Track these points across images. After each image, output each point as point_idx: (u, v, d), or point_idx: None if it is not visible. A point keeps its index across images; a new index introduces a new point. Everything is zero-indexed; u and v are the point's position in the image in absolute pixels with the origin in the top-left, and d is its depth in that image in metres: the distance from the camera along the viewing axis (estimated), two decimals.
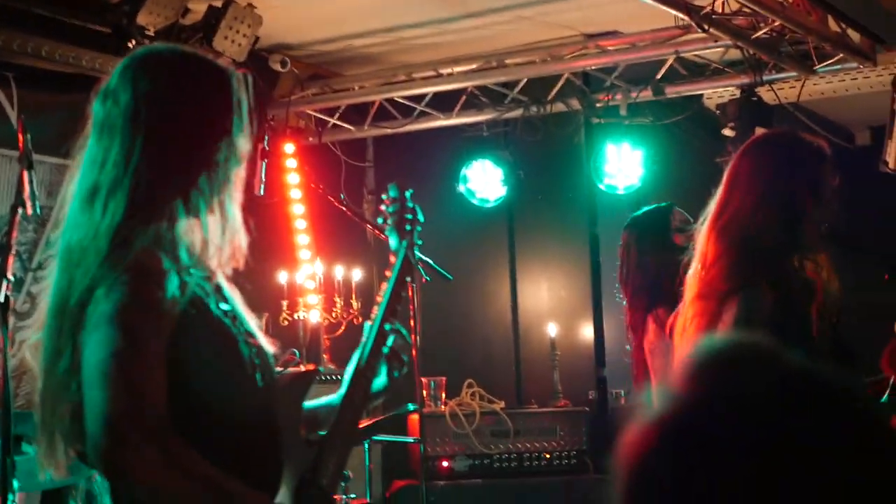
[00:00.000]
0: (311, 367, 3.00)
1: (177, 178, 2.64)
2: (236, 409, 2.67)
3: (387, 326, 3.14)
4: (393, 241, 3.34)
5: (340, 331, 8.25)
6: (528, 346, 9.30)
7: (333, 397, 3.06)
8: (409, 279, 3.30)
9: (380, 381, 3.14)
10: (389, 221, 3.36)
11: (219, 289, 2.76)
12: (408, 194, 3.40)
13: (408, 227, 3.34)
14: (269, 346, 2.83)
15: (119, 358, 2.46)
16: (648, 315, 5.13)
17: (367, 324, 3.16)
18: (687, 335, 3.55)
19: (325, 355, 8.22)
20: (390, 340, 3.15)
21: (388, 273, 3.28)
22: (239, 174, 2.77)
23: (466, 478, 7.83)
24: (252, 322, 2.81)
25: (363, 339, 3.13)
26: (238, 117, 2.76)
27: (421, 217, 3.40)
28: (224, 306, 2.73)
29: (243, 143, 2.77)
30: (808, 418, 1.13)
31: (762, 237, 3.49)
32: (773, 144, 3.73)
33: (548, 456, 7.91)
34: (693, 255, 3.66)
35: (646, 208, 5.67)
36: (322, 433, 3.00)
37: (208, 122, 2.71)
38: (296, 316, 8.18)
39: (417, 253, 3.44)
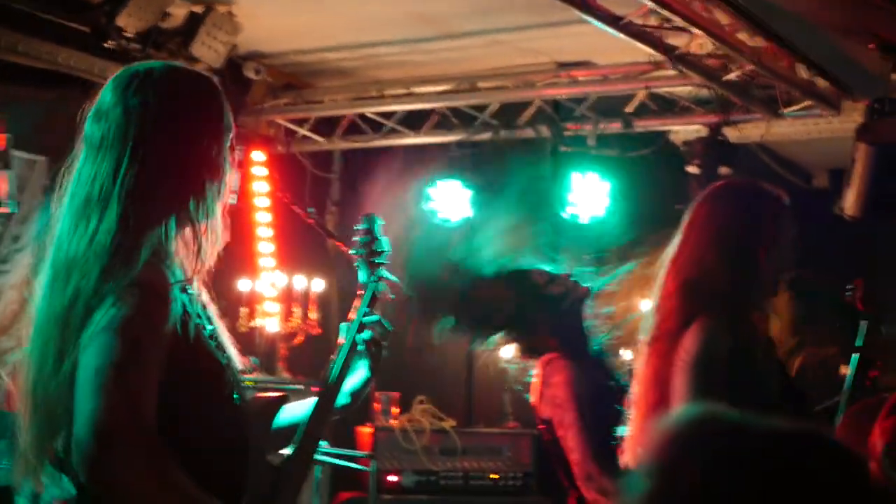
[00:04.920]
0: (281, 394, 3.03)
1: (169, 190, 2.68)
2: (214, 428, 2.71)
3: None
4: (362, 275, 3.32)
5: (297, 340, 8.28)
6: (481, 366, 9.33)
7: (298, 415, 3.07)
8: (376, 314, 3.28)
9: (349, 389, 3.17)
10: (360, 253, 3.34)
11: (204, 306, 2.80)
12: (376, 226, 3.38)
13: (376, 260, 3.33)
14: (239, 362, 2.87)
15: (119, 368, 2.47)
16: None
17: (332, 358, 3.15)
18: (641, 379, 3.59)
19: (280, 364, 8.25)
20: (356, 366, 3.17)
21: (355, 305, 3.26)
22: (228, 183, 2.82)
23: (413, 493, 7.87)
24: (227, 337, 2.85)
25: (328, 371, 3.13)
26: (227, 128, 2.81)
27: (387, 248, 3.37)
28: (209, 326, 2.77)
29: (231, 153, 2.82)
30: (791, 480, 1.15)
31: (713, 281, 3.53)
32: (733, 193, 3.76)
33: (494, 476, 7.96)
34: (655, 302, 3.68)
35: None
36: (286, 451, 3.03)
37: (199, 135, 2.74)
38: (253, 323, 8.21)
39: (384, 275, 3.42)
